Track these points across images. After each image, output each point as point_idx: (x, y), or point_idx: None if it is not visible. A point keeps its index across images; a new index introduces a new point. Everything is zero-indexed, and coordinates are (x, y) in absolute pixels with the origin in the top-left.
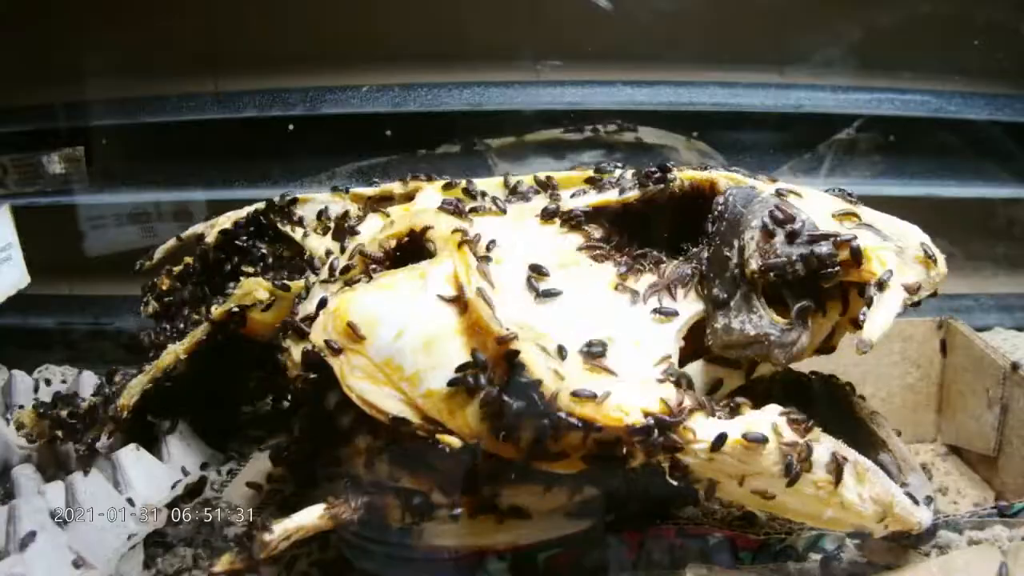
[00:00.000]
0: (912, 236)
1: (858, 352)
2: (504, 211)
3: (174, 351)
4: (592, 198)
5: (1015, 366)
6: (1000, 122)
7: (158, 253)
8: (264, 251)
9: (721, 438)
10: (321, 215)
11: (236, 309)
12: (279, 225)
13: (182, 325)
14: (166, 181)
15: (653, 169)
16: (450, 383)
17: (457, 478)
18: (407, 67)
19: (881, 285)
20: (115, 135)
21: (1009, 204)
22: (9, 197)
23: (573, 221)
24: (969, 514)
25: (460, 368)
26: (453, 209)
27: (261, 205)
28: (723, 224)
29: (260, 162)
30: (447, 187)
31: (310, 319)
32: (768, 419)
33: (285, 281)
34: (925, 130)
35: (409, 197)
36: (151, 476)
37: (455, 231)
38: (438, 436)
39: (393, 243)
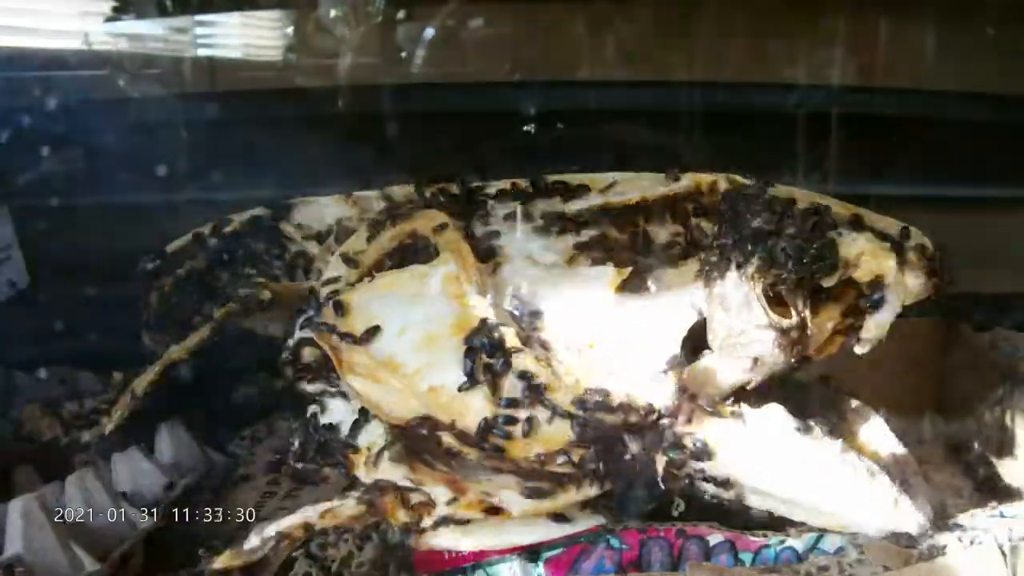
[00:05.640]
0: (911, 237)
1: (857, 353)
2: (506, 212)
3: (175, 351)
4: (595, 199)
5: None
6: (1000, 122)
7: (161, 254)
8: (268, 253)
9: (720, 436)
10: (324, 218)
11: (238, 310)
12: (282, 227)
13: (184, 326)
14: None
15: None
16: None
17: (458, 476)
18: None
19: (880, 286)
20: None
21: (1009, 204)
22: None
23: (575, 222)
24: (969, 514)
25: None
26: (456, 210)
27: (265, 207)
28: (724, 225)
29: None
30: (449, 188)
31: (313, 319)
32: (767, 418)
33: (288, 282)
34: (923, 130)
35: (412, 199)
36: (150, 476)
37: (457, 231)
38: (439, 434)
39: (395, 243)
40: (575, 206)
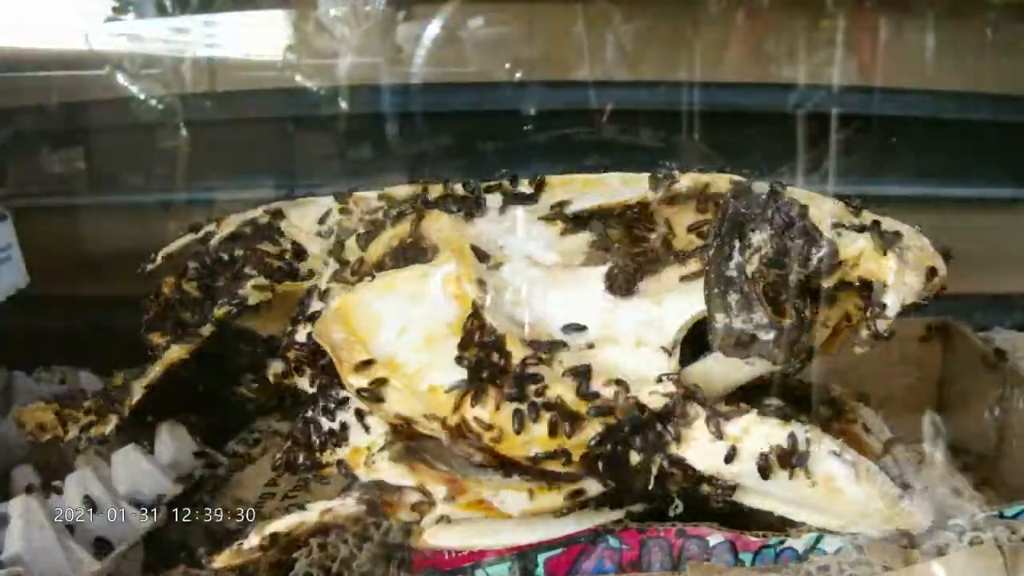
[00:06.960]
0: (912, 238)
1: (857, 352)
2: (506, 212)
3: (175, 352)
4: (593, 199)
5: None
6: (1000, 122)
7: (162, 254)
8: (267, 253)
9: (719, 436)
10: (324, 218)
11: (238, 310)
12: (282, 227)
13: (184, 326)
14: None
15: (659, 172)
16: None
17: (458, 476)
18: None
19: (881, 286)
20: None
21: (1009, 204)
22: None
23: (574, 222)
24: (969, 514)
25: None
26: (455, 210)
27: (265, 207)
28: (724, 225)
29: None
30: (449, 188)
31: (313, 318)
32: (766, 418)
33: (288, 282)
34: (925, 130)
35: (411, 199)
36: (150, 475)
37: (456, 231)
38: (439, 433)
39: (396, 243)
40: (575, 206)
